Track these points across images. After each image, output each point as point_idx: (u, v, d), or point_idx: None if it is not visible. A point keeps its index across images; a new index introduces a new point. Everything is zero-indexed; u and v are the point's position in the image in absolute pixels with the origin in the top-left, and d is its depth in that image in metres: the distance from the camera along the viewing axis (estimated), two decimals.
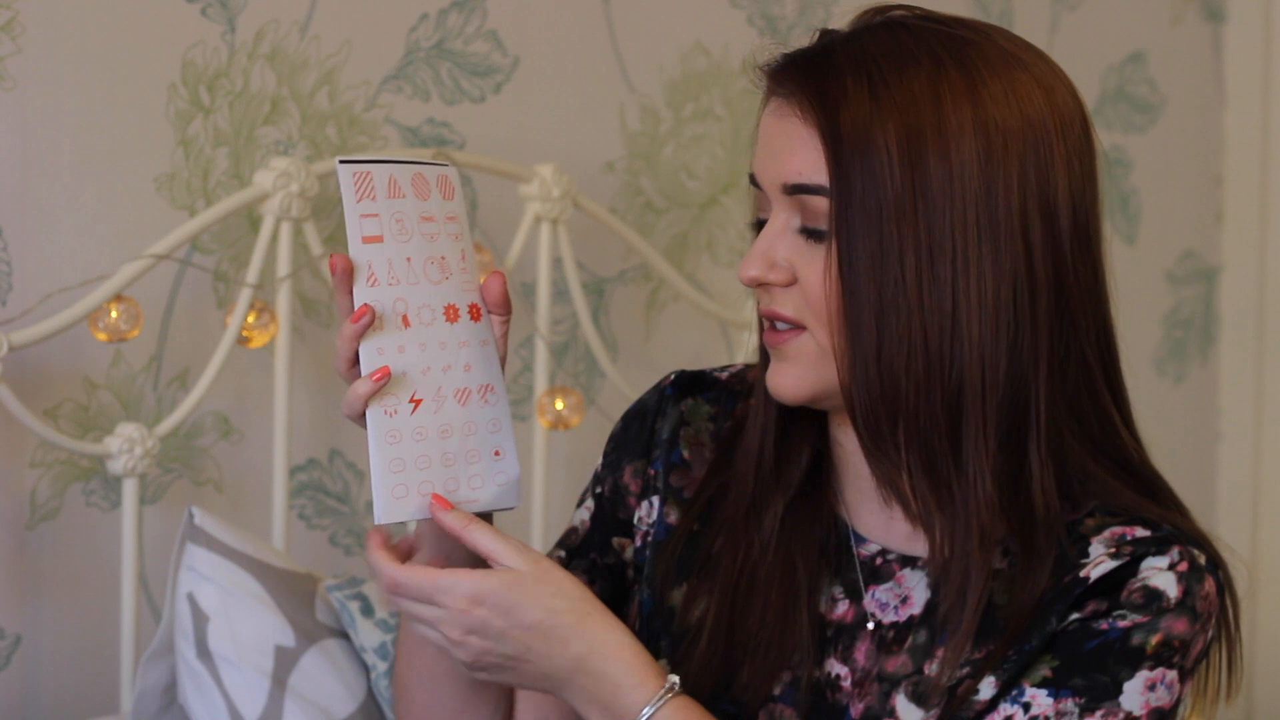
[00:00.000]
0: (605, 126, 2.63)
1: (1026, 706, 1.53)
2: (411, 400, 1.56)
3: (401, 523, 1.59)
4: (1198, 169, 3.33)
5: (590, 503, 1.75)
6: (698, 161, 2.70)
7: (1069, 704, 1.53)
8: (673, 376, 1.74)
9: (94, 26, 2.19)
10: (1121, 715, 1.52)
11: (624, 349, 2.66)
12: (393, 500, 1.57)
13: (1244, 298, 3.35)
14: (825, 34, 1.60)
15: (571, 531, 1.75)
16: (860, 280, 1.52)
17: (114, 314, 2.15)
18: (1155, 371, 3.31)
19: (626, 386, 2.53)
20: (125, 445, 2.17)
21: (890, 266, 1.51)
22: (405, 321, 1.56)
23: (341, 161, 1.55)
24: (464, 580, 1.53)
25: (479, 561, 1.61)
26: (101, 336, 2.16)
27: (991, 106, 1.52)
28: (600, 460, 1.76)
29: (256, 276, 2.25)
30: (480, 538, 1.56)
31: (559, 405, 2.48)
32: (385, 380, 1.54)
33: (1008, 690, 1.54)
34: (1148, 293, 3.29)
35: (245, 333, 2.26)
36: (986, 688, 1.55)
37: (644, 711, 1.54)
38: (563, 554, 1.74)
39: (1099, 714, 1.52)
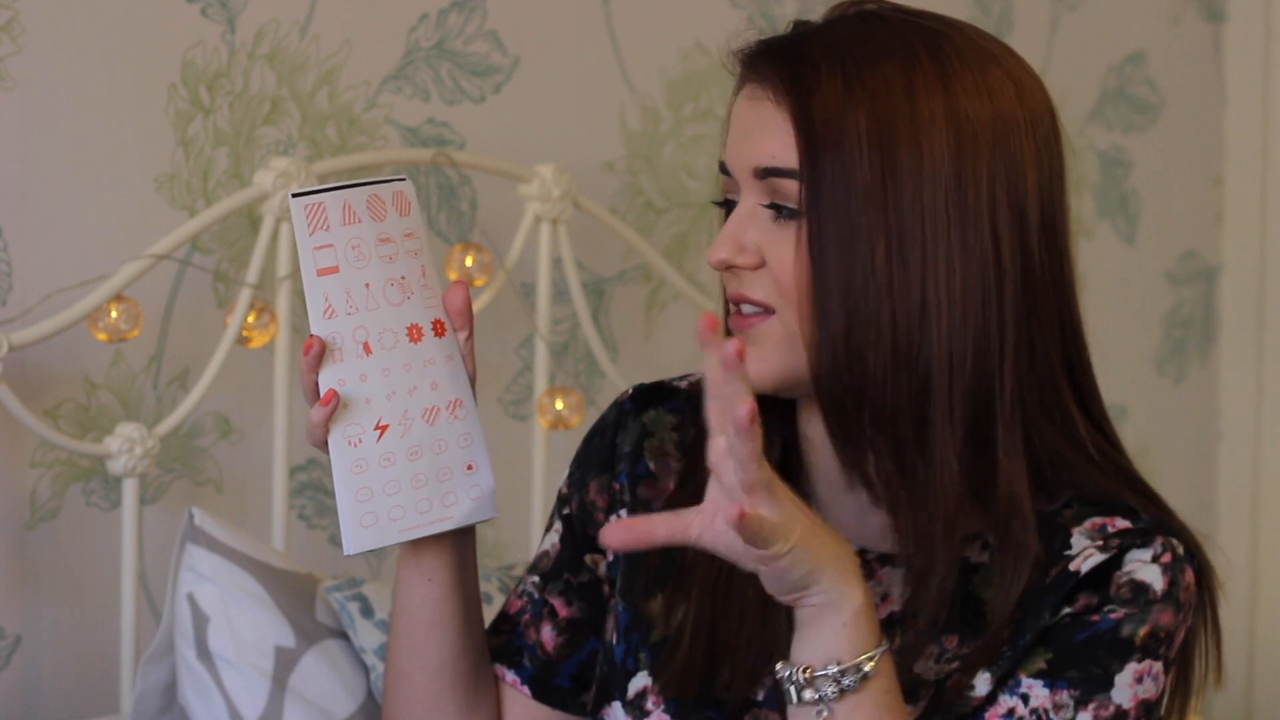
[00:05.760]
0: (605, 126, 2.63)
1: (1025, 698, 1.54)
2: (377, 427, 1.55)
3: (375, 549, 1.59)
4: (1198, 169, 3.33)
5: (558, 525, 1.75)
6: (698, 161, 2.70)
7: (1065, 696, 1.54)
8: (631, 390, 1.75)
9: (94, 26, 2.19)
10: (1112, 709, 1.54)
11: (624, 349, 2.66)
12: (361, 529, 1.56)
13: (1244, 298, 3.35)
14: (799, 24, 1.61)
15: (543, 556, 1.75)
16: (830, 262, 1.52)
17: (114, 314, 2.15)
18: (1155, 371, 3.31)
19: (626, 386, 2.52)
20: (125, 445, 2.17)
21: (860, 251, 1.52)
22: (367, 349, 1.55)
23: (293, 195, 1.54)
24: None
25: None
26: (101, 336, 2.16)
27: (963, 98, 1.53)
28: (564, 482, 1.76)
29: (256, 276, 2.25)
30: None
31: (559, 405, 2.48)
32: (334, 403, 1.54)
33: (1004, 683, 1.55)
34: (1148, 293, 3.29)
35: (245, 333, 2.26)
36: (982, 683, 1.55)
37: (880, 648, 1.48)
38: (536, 579, 1.74)
39: (1092, 706, 1.53)
